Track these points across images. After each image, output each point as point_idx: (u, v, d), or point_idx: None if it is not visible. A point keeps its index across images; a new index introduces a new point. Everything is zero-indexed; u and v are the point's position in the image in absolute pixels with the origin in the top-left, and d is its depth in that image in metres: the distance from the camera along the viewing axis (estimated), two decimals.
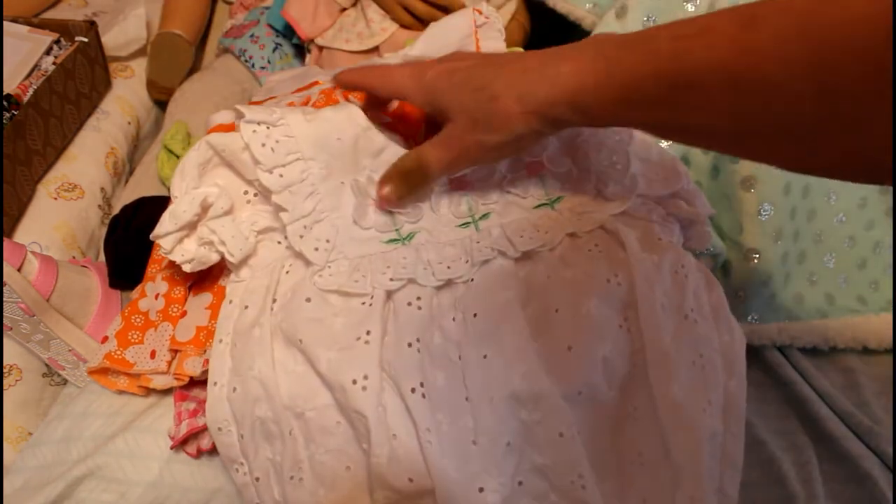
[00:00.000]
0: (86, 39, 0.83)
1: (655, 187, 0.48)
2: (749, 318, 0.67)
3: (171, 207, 0.46)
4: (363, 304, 0.44)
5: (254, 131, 0.45)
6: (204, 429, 0.51)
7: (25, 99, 0.72)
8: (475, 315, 0.43)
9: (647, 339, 0.41)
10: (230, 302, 0.48)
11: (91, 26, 0.84)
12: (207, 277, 0.56)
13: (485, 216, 0.48)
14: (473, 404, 0.42)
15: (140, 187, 0.81)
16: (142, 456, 0.52)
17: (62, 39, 0.83)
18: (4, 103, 0.70)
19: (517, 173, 0.49)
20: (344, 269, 0.46)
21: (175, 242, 0.46)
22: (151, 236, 0.46)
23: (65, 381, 0.63)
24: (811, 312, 0.68)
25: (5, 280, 0.54)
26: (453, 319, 0.44)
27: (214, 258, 0.48)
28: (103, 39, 0.88)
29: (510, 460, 0.41)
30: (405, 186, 0.46)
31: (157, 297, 0.56)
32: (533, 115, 0.40)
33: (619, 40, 0.37)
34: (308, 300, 0.45)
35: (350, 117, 0.47)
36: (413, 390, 0.42)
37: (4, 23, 0.81)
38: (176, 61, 0.94)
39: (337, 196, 0.47)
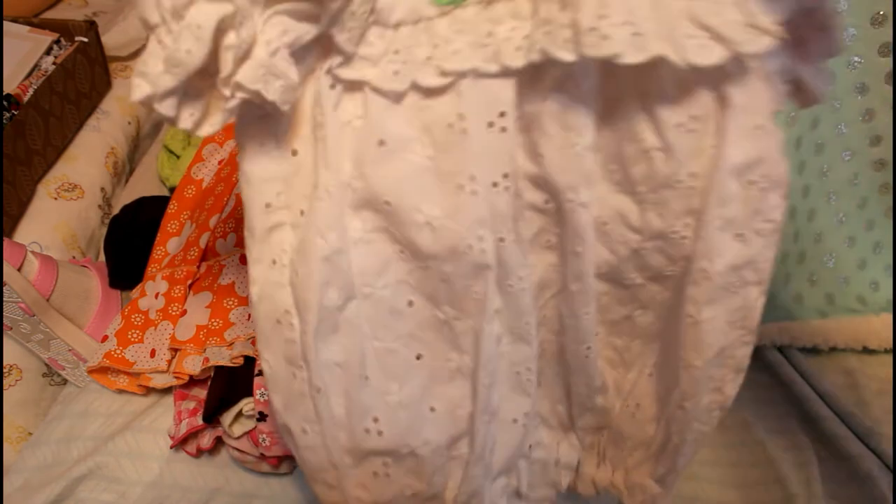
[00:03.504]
0: (86, 39, 0.83)
1: None
2: None
3: (157, 48, 0.28)
4: (450, 126, 0.33)
5: None
6: (203, 428, 0.51)
7: (25, 99, 0.72)
8: (541, 155, 0.35)
9: (694, 257, 0.36)
10: (261, 145, 0.34)
11: (91, 26, 0.84)
12: (207, 276, 0.56)
13: None
14: (521, 238, 0.37)
15: (140, 187, 0.81)
16: (142, 455, 0.52)
17: (62, 39, 0.83)
18: (4, 103, 0.70)
19: None
20: (376, 47, 0.33)
21: (178, 103, 0.30)
22: (137, 99, 0.29)
23: (65, 381, 0.62)
24: (811, 312, 0.68)
25: (5, 280, 0.54)
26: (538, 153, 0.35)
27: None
28: (103, 39, 0.88)
29: (543, 295, 0.40)
30: None
31: (157, 296, 0.56)
32: None
33: None
34: (381, 143, 0.33)
35: None
36: (502, 240, 0.35)
37: (4, 23, 0.81)
38: None
39: None
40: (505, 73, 0.32)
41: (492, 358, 0.38)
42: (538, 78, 0.33)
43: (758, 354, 0.67)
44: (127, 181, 0.87)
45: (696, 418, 0.40)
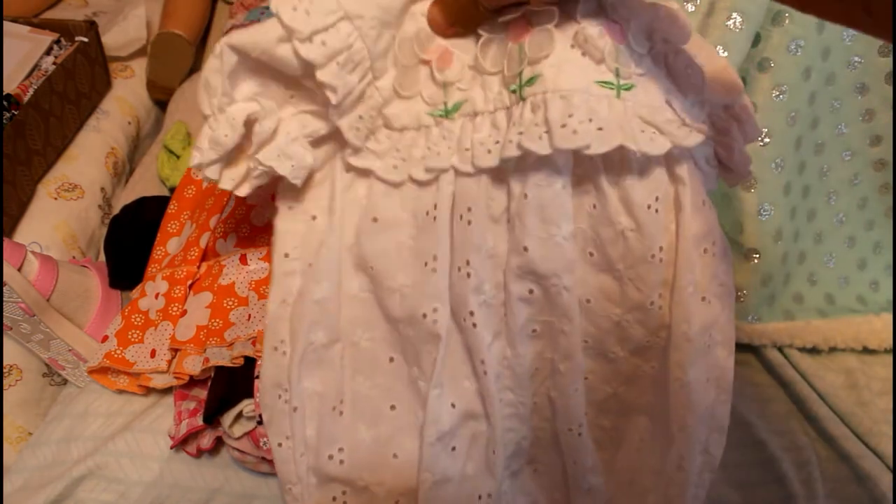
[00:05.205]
0: (86, 39, 0.83)
1: (716, 93, 0.41)
2: (749, 318, 0.67)
3: (207, 131, 0.38)
4: (427, 214, 0.41)
5: None
6: (203, 428, 0.51)
7: (25, 99, 0.72)
8: (525, 248, 0.40)
9: (673, 323, 0.41)
10: (290, 208, 0.42)
11: (91, 26, 0.84)
12: (207, 276, 0.56)
13: (531, 81, 0.38)
14: (510, 331, 0.42)
15: (140, 187, 0.81)
16: (142, 456, 0.52)
17: (62, 39, 0.83)
18: (4, 103, 0.70)
19: (592, 25, 0.38)
20: (383, 144, 0.41)
21: (220, 170, 0.39)
22: (191, 166, 0.39)
23: (65, 381, 0.63)
24: (811, 312, 0.68)
25: (5, 280, 0.54)
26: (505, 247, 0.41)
27: (268, 179, 0.41)
28: (103, 39, 0.88)
29: (534, 383, 0.44)
30: (452, 15, 0.39)
31: (157, 296, 0.56)
32: None
33: None
34: (375, 220, 0.41)
35: None
36: (464, 319, 0.41)
37: (4, 23, 0.81)
38: (176, 61, 0.94)
39: (389, 56, 0.40)
40: (478, 172, 0.39)
41: (438, 420, 0.42)
42: (517, 178, 0.40)
43: (758, 354, 0.68)
44: (127, 181, 0.87)
45: (693, 481, 0.43)
